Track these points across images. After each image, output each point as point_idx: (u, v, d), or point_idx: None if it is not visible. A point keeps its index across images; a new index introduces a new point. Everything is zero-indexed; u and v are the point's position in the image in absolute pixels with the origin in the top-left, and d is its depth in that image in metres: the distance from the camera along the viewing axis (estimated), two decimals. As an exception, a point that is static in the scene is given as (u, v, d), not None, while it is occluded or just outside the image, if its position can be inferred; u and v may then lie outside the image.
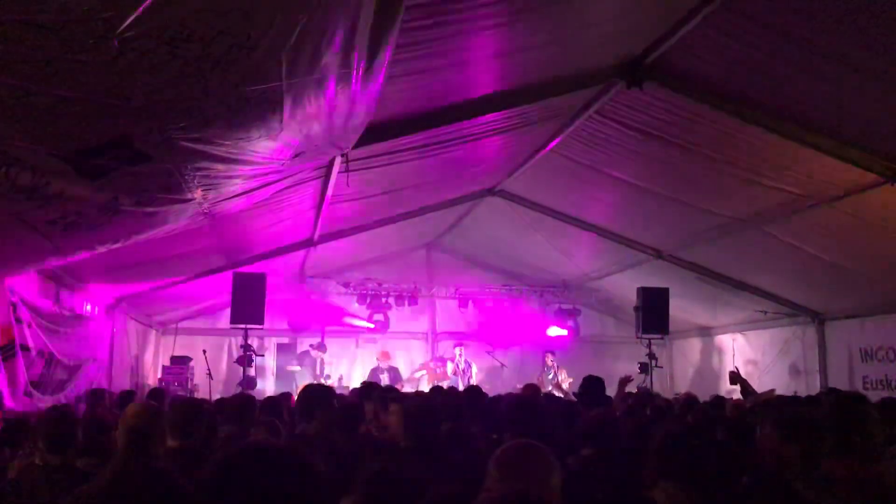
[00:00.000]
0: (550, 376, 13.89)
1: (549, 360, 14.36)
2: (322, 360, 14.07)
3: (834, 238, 9.05)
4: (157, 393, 8.74)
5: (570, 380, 13.33)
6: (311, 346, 14.27)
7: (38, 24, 2.63)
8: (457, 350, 14.64)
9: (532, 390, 8.28)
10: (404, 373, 14.58)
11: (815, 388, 11.16)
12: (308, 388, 5.33)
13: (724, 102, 7.07)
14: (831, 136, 7.02)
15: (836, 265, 9.75)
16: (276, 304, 12.98)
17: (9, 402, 7.19)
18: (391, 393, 6.83)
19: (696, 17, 5.90)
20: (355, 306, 14.87)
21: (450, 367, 14.30)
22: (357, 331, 15.16)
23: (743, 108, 7.06)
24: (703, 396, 9.06)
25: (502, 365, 14.64)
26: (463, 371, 14.19)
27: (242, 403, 5.62)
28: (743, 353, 13.87)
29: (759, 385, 10.16)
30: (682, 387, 14.67)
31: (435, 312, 16.04)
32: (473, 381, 13.61)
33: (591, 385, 6.93)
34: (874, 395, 7.63)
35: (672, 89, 7.13)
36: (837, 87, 6.41)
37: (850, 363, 11.34)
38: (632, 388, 9.05)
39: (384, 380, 13.50)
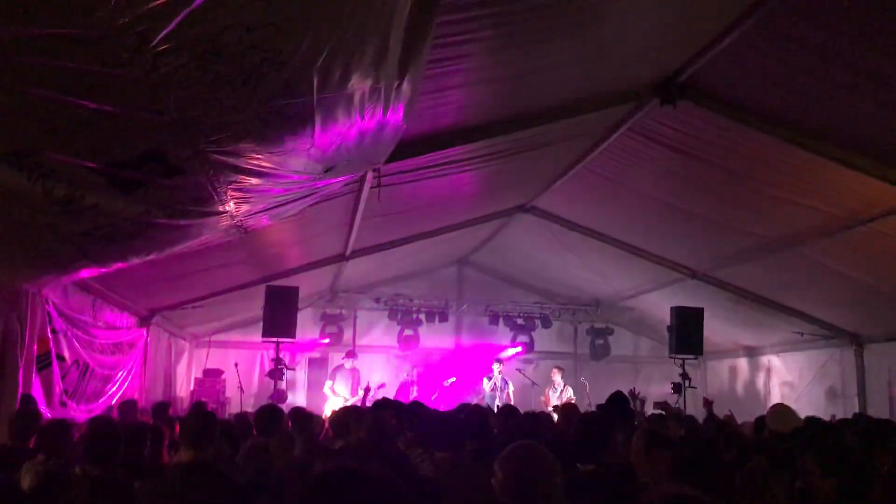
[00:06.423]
0: (558, 393, 13.55)
1: (558, 376, 13.99)
2: (356, 370, 13.76)
3: (872, 259, 8.86)
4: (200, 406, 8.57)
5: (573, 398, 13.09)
6: (343, 359, 13.93)
7: (73, 38, 2.67)
8: (495, 366, 14.07)
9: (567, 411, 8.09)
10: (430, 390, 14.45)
11: (853, 412, 10.88)
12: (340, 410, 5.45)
13: (759, 121, 6.98)
14: (869, 156, 6.89)
15: (874, 286, 9.52)
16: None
17: (44, 411, 7.29)
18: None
19: (730, 35, 5.84)
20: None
21: (486, 383, 14.04)
22: (389, 346, 15.16)
23: (779, 126, 6.96)
24: (738, 419, 8.91)
25: (533, 384, 14.45)
26: (500, 389, 13.82)
27: (269, 414, 5.66)
28: (779, 376, 13.58)
29: (797, 409, 9.91)
30: (717, 409, 14.36)
31: (464, 329, 15.97)
32: (512, 400, 13.09)
33: (616, 401, 6.80)
34: (914, 421, 7.43)
35: (707, 108, 7.08)
36: (875, 106, 6.29)
37: (889, 387, 11.07)
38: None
39: (413, 393, 13.45)
